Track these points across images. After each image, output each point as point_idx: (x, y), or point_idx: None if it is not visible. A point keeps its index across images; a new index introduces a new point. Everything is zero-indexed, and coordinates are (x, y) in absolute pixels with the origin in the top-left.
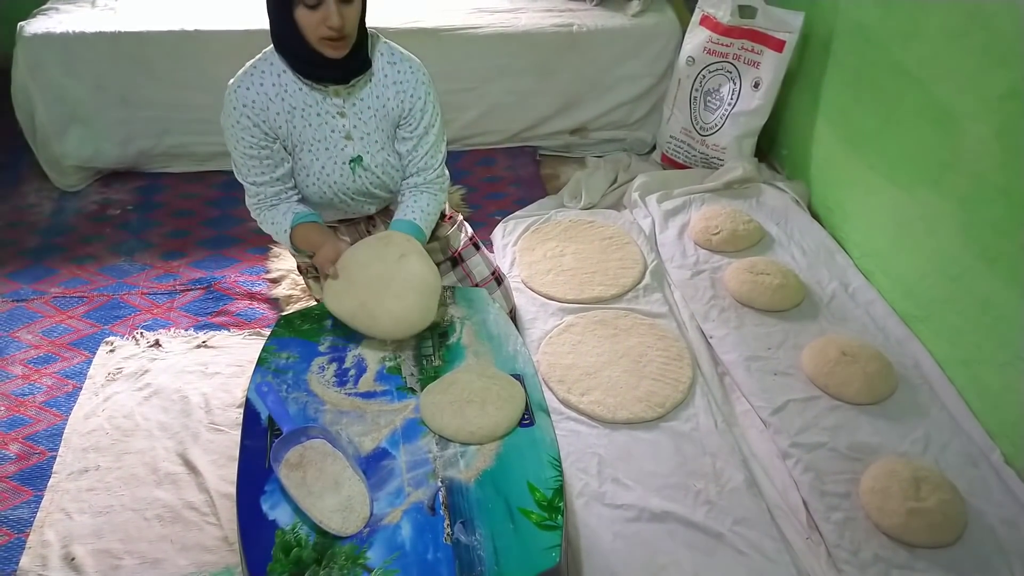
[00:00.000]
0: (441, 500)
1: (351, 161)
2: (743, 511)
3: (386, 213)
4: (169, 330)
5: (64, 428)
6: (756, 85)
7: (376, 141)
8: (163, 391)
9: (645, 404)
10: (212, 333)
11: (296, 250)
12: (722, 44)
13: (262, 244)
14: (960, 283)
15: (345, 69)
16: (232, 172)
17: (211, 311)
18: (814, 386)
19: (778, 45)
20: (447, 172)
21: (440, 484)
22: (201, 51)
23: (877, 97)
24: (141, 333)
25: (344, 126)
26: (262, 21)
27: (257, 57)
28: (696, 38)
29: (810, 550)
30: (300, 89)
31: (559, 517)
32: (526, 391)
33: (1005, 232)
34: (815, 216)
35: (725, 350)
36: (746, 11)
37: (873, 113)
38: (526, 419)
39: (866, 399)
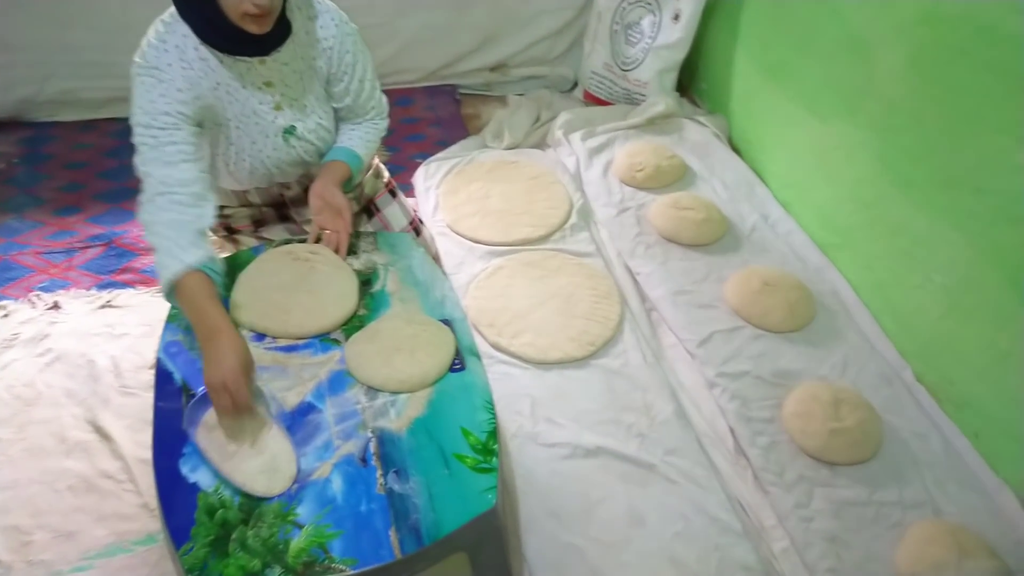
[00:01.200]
0: (372, 451)
1: (284, 132)
2: (674, 441)
3: (303, 179)
4: (69, 291)
5: None
6: (676, 17)
7: (306, 106)
8: (66, 356)
9: (576, 343)
10: (117, 292)
11: (172, 301)
12: None
13: None
14: (875, 209)
15: (266, 41)
16: (128, 120)
17: (114, 268)
18: (738, 317)
19: None
20: (384, 98)
21: (371, 435)
22: None
23: (795, 27)
24: (38, 295)
25: (272, 97)
26: None
27: (164, 25)
28: None
29: (737, 474)
30: (221, 63)
31: (494, 459)
32: (456, 336)
33: (917, 158)
34: (735, 149)
35: (652, 286)
36: None
37: (791, 44)
38: (457, 364)
39: (788, 327)
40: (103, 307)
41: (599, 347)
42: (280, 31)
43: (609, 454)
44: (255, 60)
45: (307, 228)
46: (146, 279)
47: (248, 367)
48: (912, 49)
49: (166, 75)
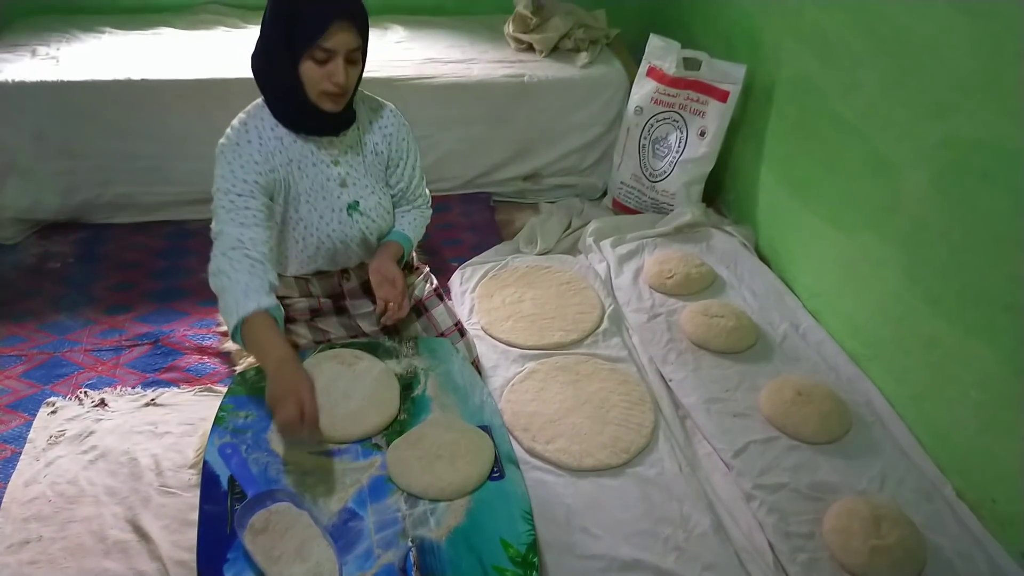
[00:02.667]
0: (412, 561)
1: (348, 207)
2: (711, 556)
3: (360, 267)
4: (115, 388)
5: (2, 497)
6: (702, 134)
7: (367, 186)
8: (110, 453)
9: (610, 450)
10: (161, 390)
11: (237, 338)
12: (668, 94)
13: (212, 296)
14: (905, 323)
15: (337, 121)
16: (180, 223)
17: (159, 367)
18: (772, 427)
19: (722, 96)
20: (428, 192)
21: (411, 544)
22: (147, 100)
23: (818, 146)
24: (85, 392)
25: (339, 174)
26: (208, 70)
27: (246, 113)
28: (643, 88)
29: None
30: (295, 141)
31: (534, 573)
32: (494, 443)
33: (946, 274)
34: (763, 259)
35: (685, 393)
36: (691, 63)
37: (815, 161)
38: (496, 472)
39: (823, 438)
40: (147, 405)
41: (633, 455)
42: (347, 117)
43: (646, 568)
44: (325, 139)
45: (361, 322)
46: (190, 378)
47: (314, 391)
48: (936, 171)
49: (244, 150)
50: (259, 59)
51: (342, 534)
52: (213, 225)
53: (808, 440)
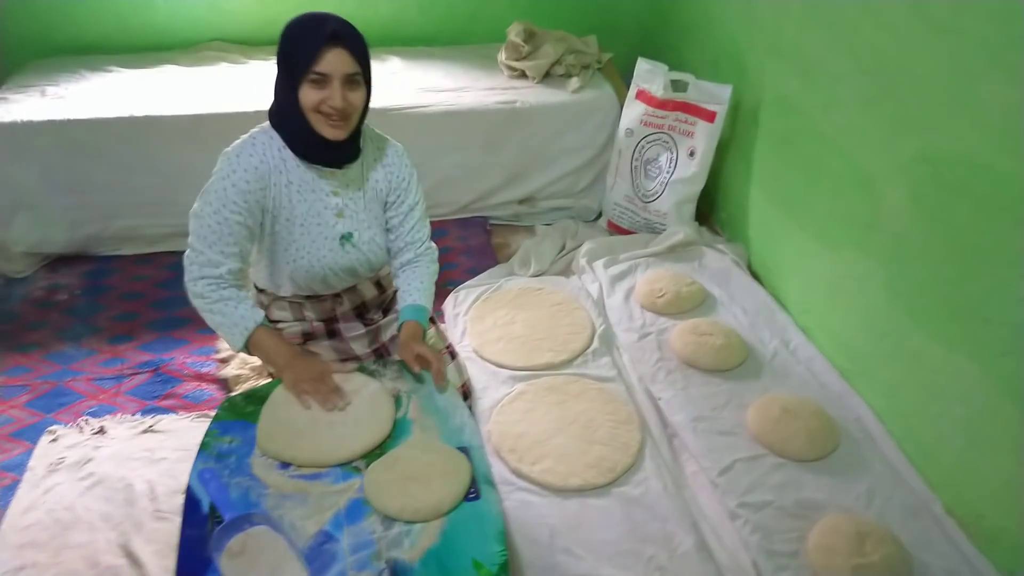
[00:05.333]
0: None
1: (341, 238)
2: (694, 575)
3: (351, 291)
4: (115, 415)
5: (1, 524)
6: (692, 154)
7: (364, 220)
8: (107, 479)
9: (596, 470)
10: (159, 417)
11: (245, 350)
12: (658, 116)
13: None
14: (890, 339)
15: (340, 153)
16: (182, 253)
17: (158, 394)
18: (759, 444)
19: (709, 116)
20: (434, 244)
21: (384, 565)
22: (151, 136)
23: (803, 162)
24: (86, 420)
25: (337, 204)
26: (209, 105)
27: (254, 131)
28: (633, 111)
29: None
30: (298, 166)
31: None
32: (472, 464)
33: (926, 289)
34: (755, 276)
35: (673, 411)
36: (678, 85)
37: (800, 177)
38: (472, 493)
39: (810, 455)
40: (145, 432)
41: (619, 474)
42: (352, 150)
43: None
44: (327, 170)
45: (353, 344)
46: (188, 404)
47: (329, 370)
48: (913, 186)
49: (244, 162)
50: (274, 90)
51: (317, 556)
52: (191, 231)
53: (795, 457)
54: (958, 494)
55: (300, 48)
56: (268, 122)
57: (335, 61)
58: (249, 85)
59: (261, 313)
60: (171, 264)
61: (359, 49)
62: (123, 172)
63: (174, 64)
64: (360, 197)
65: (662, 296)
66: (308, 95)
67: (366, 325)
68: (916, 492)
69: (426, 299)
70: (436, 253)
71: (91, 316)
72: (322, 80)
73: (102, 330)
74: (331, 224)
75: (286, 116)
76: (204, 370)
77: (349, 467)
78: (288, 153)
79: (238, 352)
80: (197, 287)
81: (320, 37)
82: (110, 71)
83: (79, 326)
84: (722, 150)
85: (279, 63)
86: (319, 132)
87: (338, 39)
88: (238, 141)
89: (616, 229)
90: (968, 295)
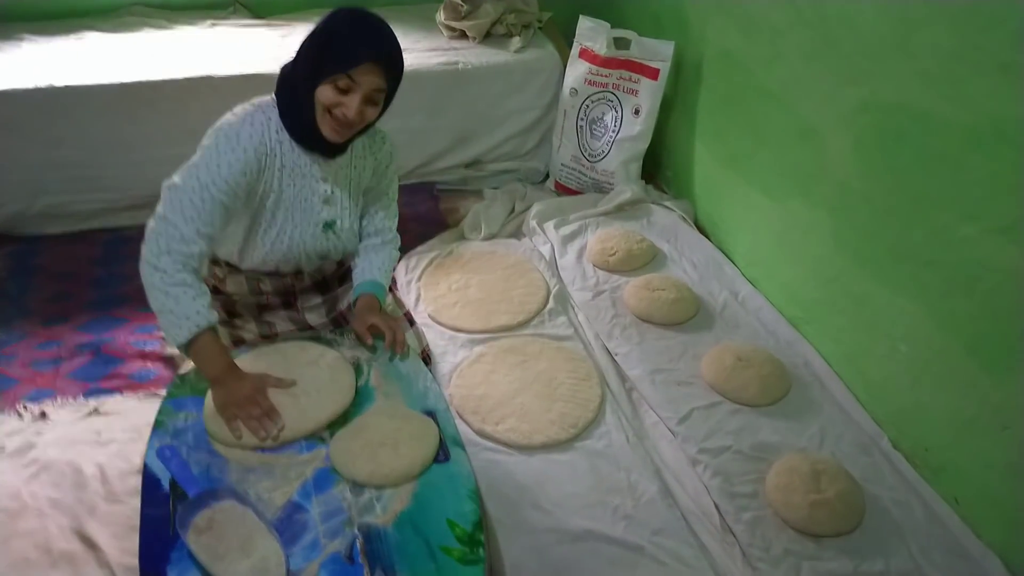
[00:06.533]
0: (359, 548)
1: (325, 225)
2: (660, 521)
3: (314, 269)
4: (56, 399)
5: None
6: (636, 112)
7: (347, 208)
8: (53, 465)
9: (559, 426)
10: (104, 399)
11: (184, 348)
12: (601, 75)
13: None
14: (836, 284)
15: (336, 147)
16: (115, 229)
17: (101, 375)
18: (715, 392)
19: (653, 73)
20: (399, 235)
21: (357, 532)
22: (75, 107)
23: (747, 117)
24: (24, 406)
25: (325, 191)
26: (135, 73)
27: (255, 105)
28: (577, 70)
29: (725, 552)
30: (292, 150)
31: (480, 550)
32: (439, 427)
33: (870, 235)
34: (702, 231)
35: (630, 366)
36: (621, 43)
37: (745, 132)
38: (441, 455)
39: (764, 401)
40: (90, 414)
41: (581, 429)
42: (348, 143)
43: (596, 538)
44: (320, 157)
45: (308, 315)
46: (133, 384)
47: (263, 388)
48: (856, 135)
49: (241, 143)
50: (288, 68)
51: (287, 527)
52: (164, 202)
53: (749, 403)
54: (904, 430)
55: (341, 49)
56: (267, 98)
57: (368, 75)
58: (177, 51)
59: (216, 316)
60: (105, 241)
61: (395, 70)
62: (46, 147)
63: (94, 31)
64: (347, 185)
65: (614, 254)
66: (326, 93)
67: (324, 295)
68: (865, 430)
69: (384, 279)
70: (399, 242)
71: (21, 299)
72: (348, 87)
73: (34, 313)
74: (317, 211)
75: (296, 103)
76: (148, 348)
77: (313, 437)
78: (284, 136)
79: (174, 346)
80: (161, 261)
81: (364, 49)
82: (23, 39)
83: (10, 309)
84: (666, 107)
85: (311, 46)
86: (319, 127)
87: (381, 58)
88: (232, 117)
89: (564, 190)
90: (912, 239)
